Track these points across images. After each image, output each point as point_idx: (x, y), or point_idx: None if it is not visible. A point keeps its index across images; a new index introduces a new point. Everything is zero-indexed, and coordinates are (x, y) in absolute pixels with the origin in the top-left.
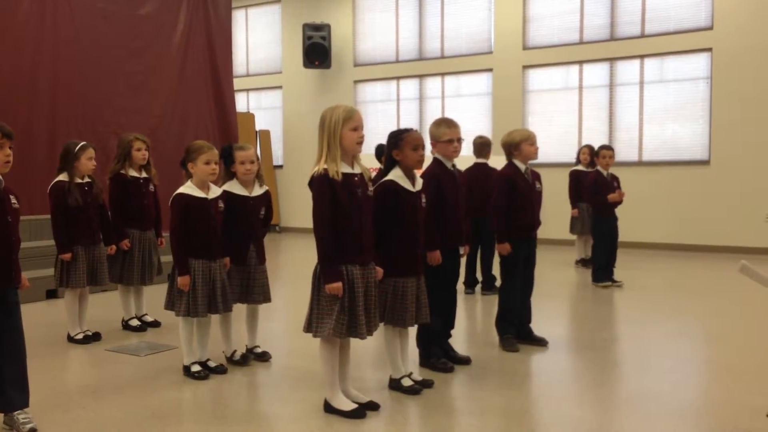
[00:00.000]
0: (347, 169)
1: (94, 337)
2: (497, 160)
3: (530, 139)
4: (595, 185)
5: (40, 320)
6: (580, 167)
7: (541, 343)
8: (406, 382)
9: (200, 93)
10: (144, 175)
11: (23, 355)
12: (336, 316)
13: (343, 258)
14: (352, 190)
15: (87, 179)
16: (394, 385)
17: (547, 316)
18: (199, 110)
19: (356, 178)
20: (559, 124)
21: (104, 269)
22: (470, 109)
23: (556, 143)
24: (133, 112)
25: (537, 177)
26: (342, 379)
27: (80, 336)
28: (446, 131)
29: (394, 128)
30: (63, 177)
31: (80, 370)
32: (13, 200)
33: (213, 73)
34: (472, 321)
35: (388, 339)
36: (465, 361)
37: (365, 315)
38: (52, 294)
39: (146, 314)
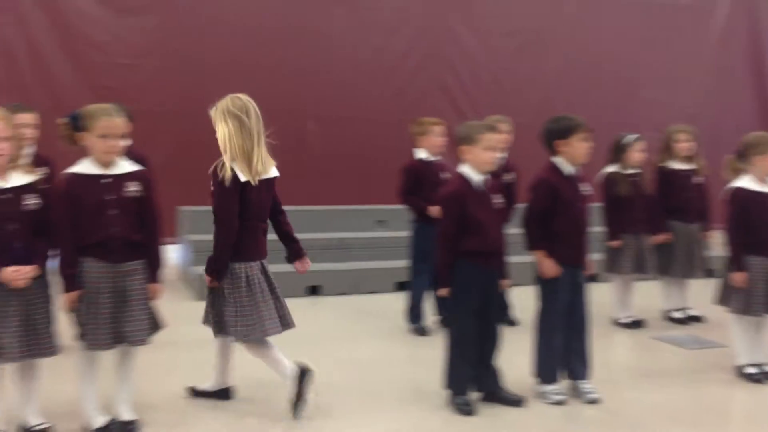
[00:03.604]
0: None
1: (639, 324)
2: None
3: None
4: None
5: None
6: None
7: None
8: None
9: (740, 84)
10: (690, 166)
11: (588, 331)
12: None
13: None
14: None
15: (636, 170)
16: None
17: None
18: (739, 102)
19: None
20: None
21: (649, 259)
22: None
23: None
24: (660, 105)
25: None
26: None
27: (626, 321)
28: None
29: None
30: (614, 168)
31: (625, 354)
32: (585, 187)
33: (756, 62)
34: None
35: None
36: None
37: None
38: (595, 278)
39: (690, 307)
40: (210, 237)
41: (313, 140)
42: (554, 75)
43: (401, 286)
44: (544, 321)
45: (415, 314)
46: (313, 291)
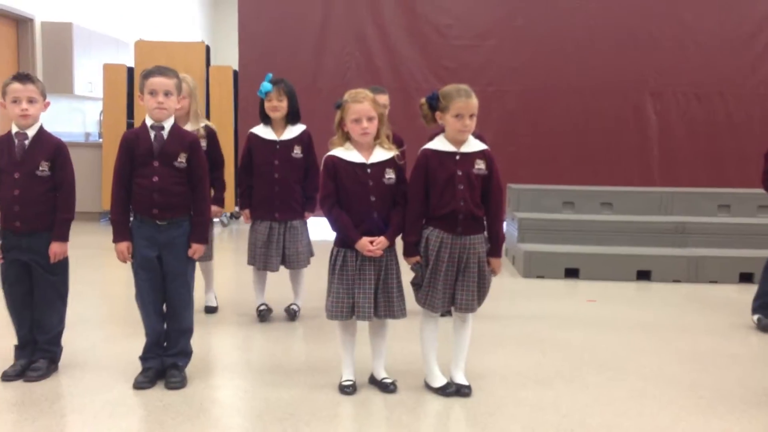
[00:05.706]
0: None
1: None
2: None
3: None
4: None
5: None
6: None
7: None
8: None
9: None
10: None
11: None
12: None
13: None
14: None
15: None
16: None
17: None
18: None
19: None
20: None
21: None
22: None
23: None
24: None
25: None
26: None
27: None
28: None
29: None
30: None
31: None
32: None
33: None
34: None
35: None
36: None
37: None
38: None
39: None
40: (538, 215)
41: (653, 117)
42: None
43: (745, 278)
44: None
45: (765, 308)
46: (643, 276)
